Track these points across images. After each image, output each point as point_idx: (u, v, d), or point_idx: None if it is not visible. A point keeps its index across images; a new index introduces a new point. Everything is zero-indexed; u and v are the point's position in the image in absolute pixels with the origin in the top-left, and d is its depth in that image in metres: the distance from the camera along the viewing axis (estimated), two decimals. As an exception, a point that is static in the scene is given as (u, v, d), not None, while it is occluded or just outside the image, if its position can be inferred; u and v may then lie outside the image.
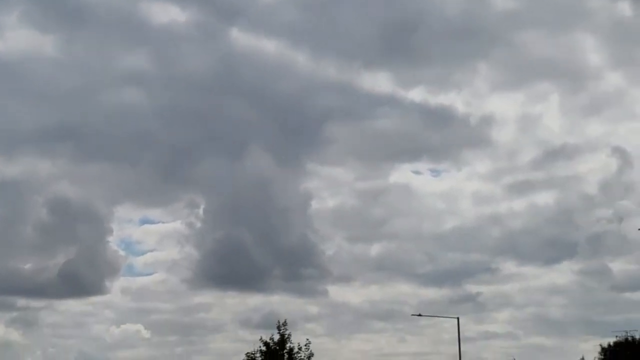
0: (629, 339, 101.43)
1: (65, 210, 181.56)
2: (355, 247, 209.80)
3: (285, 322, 50.12)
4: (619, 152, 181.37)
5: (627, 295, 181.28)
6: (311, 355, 49.70)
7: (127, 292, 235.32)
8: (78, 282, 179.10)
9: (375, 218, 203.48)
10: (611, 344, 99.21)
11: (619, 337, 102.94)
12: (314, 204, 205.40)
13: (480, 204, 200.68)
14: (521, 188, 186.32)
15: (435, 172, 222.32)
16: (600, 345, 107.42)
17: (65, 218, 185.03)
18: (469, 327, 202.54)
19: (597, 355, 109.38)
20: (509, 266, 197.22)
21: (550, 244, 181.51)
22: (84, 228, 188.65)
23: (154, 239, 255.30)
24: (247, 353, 50.05)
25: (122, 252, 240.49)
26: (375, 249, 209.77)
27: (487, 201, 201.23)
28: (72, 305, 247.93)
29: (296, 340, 50.59)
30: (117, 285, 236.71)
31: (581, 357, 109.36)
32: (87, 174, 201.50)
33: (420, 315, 71.26)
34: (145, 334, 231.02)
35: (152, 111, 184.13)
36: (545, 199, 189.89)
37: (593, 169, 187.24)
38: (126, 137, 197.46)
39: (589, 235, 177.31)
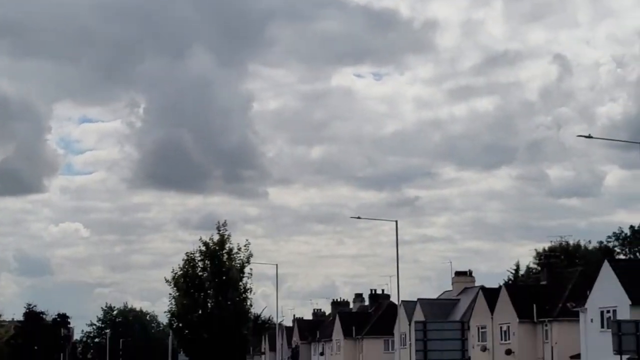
0: (564, 244, 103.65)
1: (3, 108, 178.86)
2: (296, 149, 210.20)
3: (224, 222, 50.27)
4: (560, 60, 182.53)
5: (563, 201, 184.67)
6: (250, 256, 49.95)
7: (66, 190, 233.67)
8: (16, 180, 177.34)
9: (317, 121, 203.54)
10: (546, 248, 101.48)
11: (554, 242, 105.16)
12: (256, 106, 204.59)
13: (422, 108, 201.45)
14: (462, 93, 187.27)
15: (378, 76, 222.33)
16: (536, 249, 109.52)
17: (2, 115, 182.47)
18: (407, 231, 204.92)
19: (531, 259, 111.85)
20: (448, 171, 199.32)
21: (490, 149, 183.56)
22: (22, 126, 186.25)
23: (93, 138, 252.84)
24: (187, 253, 50.19)
25: (61, 151, 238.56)
26: (315, 152, 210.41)
27: (428, 106, 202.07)
28: (10, 203, 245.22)
29: (236, 241, 50.78)
30: (55, 183, 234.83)
31: (516, 261, 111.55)
32: (26, 71, 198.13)
33: (359, 218, 71.95)
34: (84, 232, 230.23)
35: (94, 7, 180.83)
36: (485, 104, 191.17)
37: (534, 75, 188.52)
38: (67, 33, 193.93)
39: (528, 141, 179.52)
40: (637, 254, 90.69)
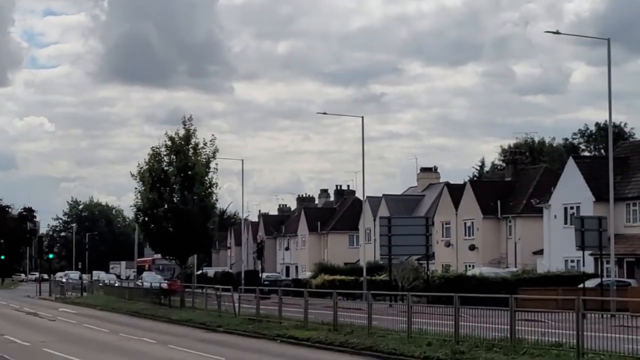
0: (529, 140, 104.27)
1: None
2: (262, 44, 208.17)
3: (190, 117, 49.92)
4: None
5: (529, 98, 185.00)
6: (216, 151, 49.79)
7: (31, 84, 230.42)
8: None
9: (283, 16, 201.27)
10: (511, 145, 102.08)
11: (519, 138, 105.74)
12: (222, 0, 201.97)
13: (389, 4, 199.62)
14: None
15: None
16: (501, 146, 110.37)
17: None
18: (373, 127, 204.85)
19: (497, 156, 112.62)
20: (414, 67, 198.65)
21: (456, 45, 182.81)
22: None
23: (57, 31, 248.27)
24: (153, 147, 49.92)
25: (24, 44, 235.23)
26: (282, 47, 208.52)
27: (395, 1, 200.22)
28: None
29: (201, 136, 50.53)
30: (19, 77, 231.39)
31: (481, 157, 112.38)
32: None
33: (325, 113, 71.74)
34: (49, 127, 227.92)
35: None
36: (453, 0, 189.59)
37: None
38: None
39: (495, 37, 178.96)
40: (602, 150, 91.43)
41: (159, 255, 63.03)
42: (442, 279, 52.82)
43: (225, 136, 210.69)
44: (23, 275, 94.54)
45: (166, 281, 63.85)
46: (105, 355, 24.26)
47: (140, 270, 73.90)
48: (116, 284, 69.36)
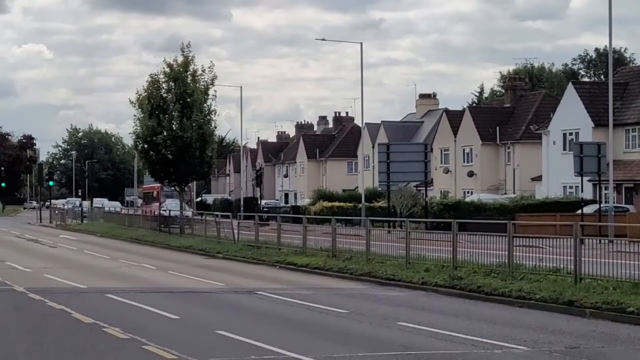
0: (528, 66, 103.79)
1: None
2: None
3: (188, 44, 49.51)
4: None
5: (529, 23, 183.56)
6: (214, 78, 49.53)
7: (29, 11, 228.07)
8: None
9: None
10: (510, 71, 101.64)
11: (519, 64, 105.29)
12: None
13: None
14: None
15: None
16: (500, 72, 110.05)
17: None
18: (372, 54, 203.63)
19: (496, 82, 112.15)
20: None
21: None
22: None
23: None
24: (151, 75, 49.63)
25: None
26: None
27: None
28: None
29: (200, 63, 50.25)
30: (17, 4, 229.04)
31: (481, 84, 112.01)
32: None
33: (323, 40, 71.62)
34: (48, 54, 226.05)
35: None
36: None
37: None
38: None
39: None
40: (602, 76, 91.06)
41: None
42: (441, 205, 52.98)
43: (224, 63, 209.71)
44: (34, 203, 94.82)
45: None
46: (106, 281, 24.47)
47: (146, 197, 72.03)
48: (122, 212, 68.48)
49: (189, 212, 54.32)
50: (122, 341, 14.20)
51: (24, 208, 77.84)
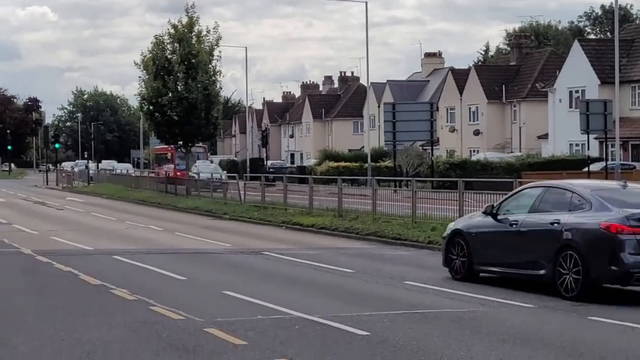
0: (534, 24, 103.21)
1: None
2: None
3: (193, 5, 49.36)
4: None
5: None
6: (219, 38, 49.45)
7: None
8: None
9: None
10: (516, 29, 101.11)
11: (524, 22, 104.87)
12: None
13: None
14: None
15: None
16: (506, 30, 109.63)
17: None
18: (377, 13, 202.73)
19: (501, 40, 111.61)
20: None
21: None
22: None
23: None
24: (156, 36, 49.59)
25: None
26: None
27: None
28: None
29: (204, 24, 50.13)
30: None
31: (486, 42, 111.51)
32: None
33: (329, -2, 71.07)
34: (52, 16, 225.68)
35: None
36: None
37: None
38: None
39: None
40: (608, 33, 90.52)
41: None
42: (447, 164, 52.97)
43: (228, 24, 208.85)
44: (50, 165, 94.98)
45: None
46: (113, 243, 24.54)
47: (159, 159, 70.43)
48: (135, 174, 67.23)
49: (222, 175, 51.80)
50: (129, 302, 14.26)
51: (39, 171, 77.82)
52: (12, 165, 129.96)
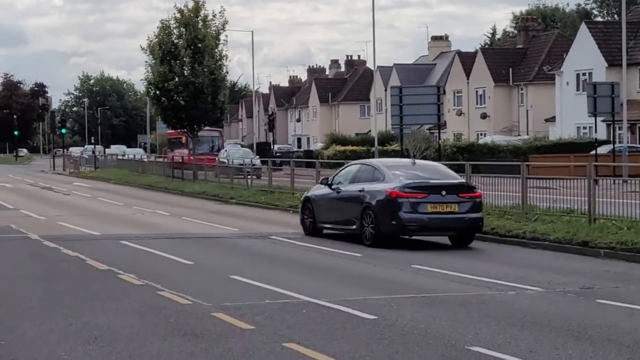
0: (541, 7, 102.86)
1: None
2: None
3: (199, -12, 49.29)
4: None
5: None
6: (226, 22, 49.26)
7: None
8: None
9: None
10: (523, 12, 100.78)
11: (531, 5, 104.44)
12: None
13: None
14: None
15: None
16: (513, 13, 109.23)
17: None
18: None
19: (508, 23, 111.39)
20: None
21: None
22: None
23: None
24: (162, 20, 49.45)
25: None
26: None
27: None
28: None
29: (210, 8, 50.06)
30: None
31: (493, 25, 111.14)
32: None
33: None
34: (57, 1, 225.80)
35: None
36: None
37: None
38: None
39: None
40: (615, 16, 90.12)
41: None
42: (454, 147, 52.92)
43: (234, 8, 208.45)
44: (60, 150, 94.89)
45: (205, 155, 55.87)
46: (120, 228, 24.55)
47: (172, 144, 69.39)
48: (145, 159, 66.43)
49: (255, 161, 49.19)
50: (137, 287, 14.27)
51: (54, 155, 77.96)
52: (26, 151, 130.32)
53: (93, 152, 77.59)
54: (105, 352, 9.69)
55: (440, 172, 20.96)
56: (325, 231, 21.86)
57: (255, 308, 12.22)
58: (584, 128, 56.07)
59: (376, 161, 23.45)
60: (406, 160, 23.56)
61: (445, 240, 20.38)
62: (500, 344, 10.06)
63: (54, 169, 75.57)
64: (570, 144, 51.55)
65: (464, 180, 21.22)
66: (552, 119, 62.24)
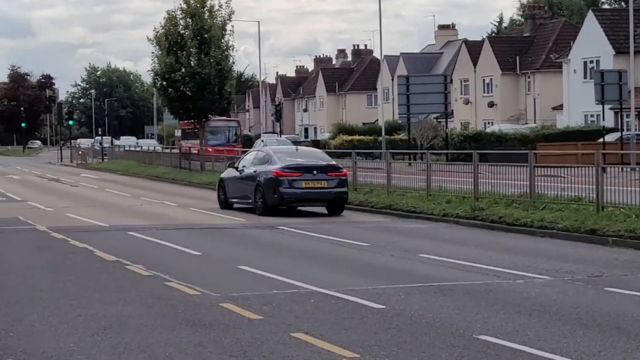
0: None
1: None
2: None
3: (204, -21, 49.23)
4: None
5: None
6: (232, 13, 49.25)
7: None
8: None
9: None
10: (530, 0, 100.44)
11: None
12: None
13: None
14: None
15: None
16: (519, 1, 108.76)
17: None
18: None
19: (515, 11, 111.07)
20: None
21: None
22: None
23: None
24: (168, 11, 49.41)
25: None
26: None
27: None
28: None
29: (216, -2, 49.80)
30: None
31: (500, 13, 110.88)
32: None
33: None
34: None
35: None
36: None
37: None
38: None
39: None
40: (622, 3, 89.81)
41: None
42: (461, 136, 52.83)
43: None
44: (79, 141, 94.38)
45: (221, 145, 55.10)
46: (128, 219, 24.58)
47: (186, 134, 68.17)
48: (160, 150, 65.52)
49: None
50: (145, 278, 14.28)
51: (68, 147, 78.02)
52: (39, 142, 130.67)
53: (100, 143, 77.62)
54: (114, 343, 9.71)
55: (317, 157, 26.68)
56: (235, 205, 26.93)
57: (263, 298, 12.23)
58: (592, 116, 55.93)
59: (268, 149, 30.24)
60: (290, 148, 32.09)
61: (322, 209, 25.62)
62: (509, 333, 10.06)
63: (61, 161, 75.67)
64: (577, 132, 51.45)
65: (333, 162, 26.12)
66: (559, 107, 62.11)
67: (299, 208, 25.86)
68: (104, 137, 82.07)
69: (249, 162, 26.77)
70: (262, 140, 55.48)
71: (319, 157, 26.68)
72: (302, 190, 24.69)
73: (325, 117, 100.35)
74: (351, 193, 28.99)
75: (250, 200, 25.62)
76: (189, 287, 13.12)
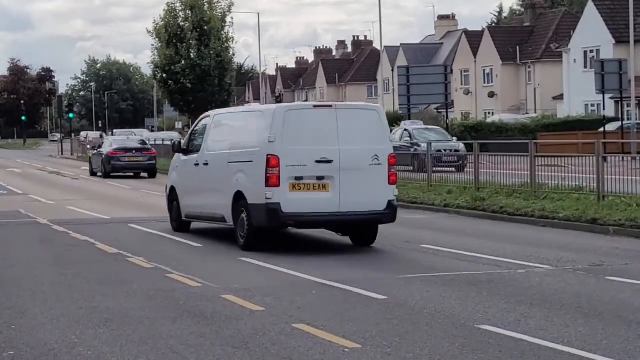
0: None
1: None
2: None
3: (204, -29, 49.24)
4: None
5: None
6: (231, 4, 49.44)
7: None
8: None
9: None
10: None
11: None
12: None
13: None
14: None
15: None
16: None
17: None
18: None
19: (515, 1, 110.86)
20: None
21: None
22: None
23: None
24: (168, 3, 49.59)
25: None
26: None
27: None
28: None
29: (216, -11, 49.84)
30: None
31: (500, 3, 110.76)
32: None
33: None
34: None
35: None
36: None
37: None
38: None
39: None
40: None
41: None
42: (462, 127, 52.78)
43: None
44: (91, 133, 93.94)
45: None
46: (129, 212, 24.57)
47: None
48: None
49: (455, 144, 34.98)
50: (146, 270, 14.29)
51: (85, 138, 77.86)
52: (58, 135, 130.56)
53: (101, 136, 77.59)
54: (116, 335, 9.72)
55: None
56: None
57: (265, 290, 12.24)
58: (592, 105, 55.89)
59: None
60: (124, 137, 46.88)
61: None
62: (510, 322, 10.06)
63: (62, 154, 75.66)
64: (578, 121, 51.42)
65: (147, 146, 41.79)
66: (560, 97, 62.07)
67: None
68: (103, 131, 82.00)
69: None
70: (406, 129, 41.44)
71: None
72: (126, 163, 40.80)
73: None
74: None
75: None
76: (190, 278, 13.13)
